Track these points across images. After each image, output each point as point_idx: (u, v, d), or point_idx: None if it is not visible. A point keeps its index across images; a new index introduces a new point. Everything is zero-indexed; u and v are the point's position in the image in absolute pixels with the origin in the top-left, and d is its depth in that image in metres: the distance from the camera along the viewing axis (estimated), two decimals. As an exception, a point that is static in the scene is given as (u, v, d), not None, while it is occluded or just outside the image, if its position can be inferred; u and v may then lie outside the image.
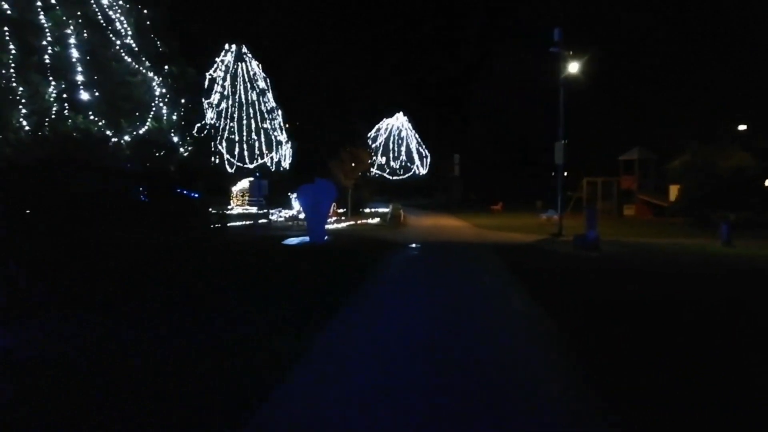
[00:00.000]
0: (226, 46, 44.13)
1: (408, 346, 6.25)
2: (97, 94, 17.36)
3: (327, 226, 25.65)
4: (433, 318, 7.69)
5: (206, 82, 44.11)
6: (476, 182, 52.95)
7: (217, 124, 45.07)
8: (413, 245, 18.75)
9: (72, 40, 17.12)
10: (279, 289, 9.73)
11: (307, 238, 18.25)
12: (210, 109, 44.73)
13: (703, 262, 14.60)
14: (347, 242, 18.61)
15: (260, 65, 44.79)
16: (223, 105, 45.15)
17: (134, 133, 18.07)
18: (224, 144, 45.23)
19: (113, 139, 17.53)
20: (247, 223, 26.53)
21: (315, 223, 17.57)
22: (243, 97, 45.44)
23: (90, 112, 17.10)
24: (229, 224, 23.10)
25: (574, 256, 15.61)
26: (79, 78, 17.12)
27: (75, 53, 17.14)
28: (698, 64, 40.43)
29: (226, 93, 45.47)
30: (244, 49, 44.45)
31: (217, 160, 44.12)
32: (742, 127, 35.31)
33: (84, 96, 17.13)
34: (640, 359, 5.84)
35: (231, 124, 45.55)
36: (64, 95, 16.72)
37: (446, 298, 9.19)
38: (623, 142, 37.76)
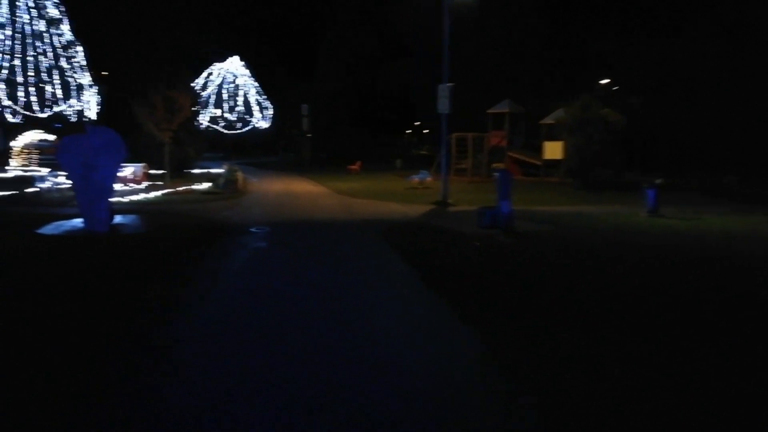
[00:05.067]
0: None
1: None
2: None
3: (131, 197, 18.28)
4: None
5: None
6: (326, 138, 47.02)
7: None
8: (257, 230, 12.65)
9: None
10: None
11: (81, 222, 11.28)
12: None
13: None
14: (151, 228, 11.86)
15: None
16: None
17: None
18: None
19: None
20: (7, 193, 18.26)
21: (88, 200, 10.52)
22: (26, 28, 35.12)
23: None
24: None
25: (490, 243, 10.79)
26: None
27: None
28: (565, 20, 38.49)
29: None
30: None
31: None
32: (604, 81, 33.79)
33: None
34: None
35: (11, 62, 35.07)
36: None
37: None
38: (488, 95, 34.41)
